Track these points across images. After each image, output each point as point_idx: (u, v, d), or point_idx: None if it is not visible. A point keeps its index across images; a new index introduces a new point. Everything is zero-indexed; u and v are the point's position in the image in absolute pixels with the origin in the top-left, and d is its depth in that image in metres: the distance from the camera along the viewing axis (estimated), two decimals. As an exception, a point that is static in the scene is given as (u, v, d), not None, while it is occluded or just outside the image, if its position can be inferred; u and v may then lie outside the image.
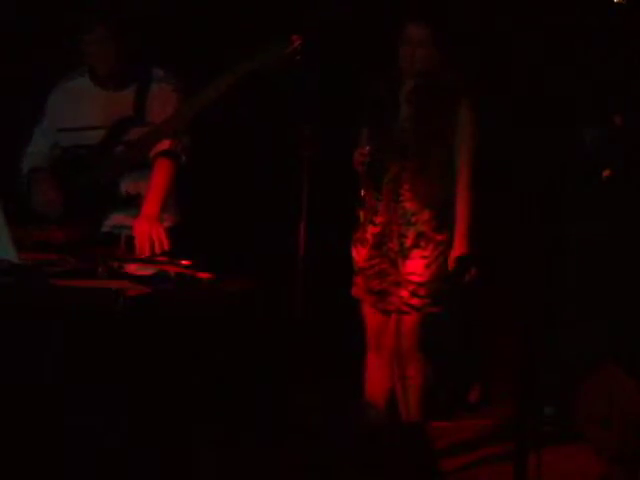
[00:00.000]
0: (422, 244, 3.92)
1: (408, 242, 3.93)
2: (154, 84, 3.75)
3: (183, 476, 2.86)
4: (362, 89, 4.10)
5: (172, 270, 3.12)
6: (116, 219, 3.70)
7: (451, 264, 3.90)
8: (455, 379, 4.96)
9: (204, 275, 3.10)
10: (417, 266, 3.91)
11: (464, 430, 4.59)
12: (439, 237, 3.92)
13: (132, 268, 3.11)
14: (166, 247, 3.44)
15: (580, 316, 4.65)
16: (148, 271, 3.09)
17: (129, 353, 2.75)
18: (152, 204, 3.57)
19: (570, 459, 4.09)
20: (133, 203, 3.69)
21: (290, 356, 4.18)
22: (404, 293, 3.92)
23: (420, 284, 3.91)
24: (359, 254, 4.04)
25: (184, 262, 3.20)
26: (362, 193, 4.03)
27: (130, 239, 3.44)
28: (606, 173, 4.46)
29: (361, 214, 4.06)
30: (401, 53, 3.93)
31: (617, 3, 4.19)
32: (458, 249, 3.90)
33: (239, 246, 5.03)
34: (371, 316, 4.07)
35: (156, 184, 3.63)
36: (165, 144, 3.66)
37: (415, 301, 3.91)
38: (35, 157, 3.90)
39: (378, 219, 3.98)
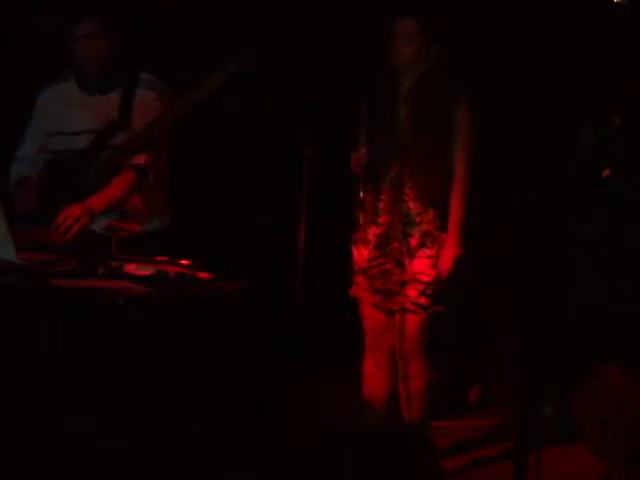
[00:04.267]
0: (428, 243, 3.91)
1: (414, 242, 3.91)
2: (140, 89, 3.76)
3: (183, 476, 2.86)
4: (361, 89, 4.10)
5: (172, 270, 3.12)
6: (106, 222, 3.70)
7: (445, 265, 3.89)
8: (455, 379, 4.96)
9: (204, 275, 3.11)
10: (424, 265, 3.90)
11: (464, 430, 4.59)
12: (444, 236, 3.91)
13: (132, 268, 3.11)
14: (68, 238, 3.45)
15: (580, 315, 4.65)
16: (148, 271, 3.09)
17: (129, 353, 2.75)
18: (97, 201, 3.61)
19: (570, 459, 4.10)
20: (122, 207, 3.73)
21: (290, 355, 4.19)
22: (412, 292, 3.91)
23: (429, 283, 3.90)
24: (360, 254, 4.03)
25: (184, 262, 3.20)
26: (361, 195, 4.02)
27: (121, 241, 3.44)
28: (606, 173, 4.47)
29: (361, 216, 4.04)
30: (390, 49, 3.92)
31: (617, 3, 4.19)
32: (452, 250, 3.89)
33: (239, 246, 5.04)
34: (371, 316, 4.07)
35: (111, 190, 3.67)
36: (141, 158, 3.68)
37: (423, 300, 3.90)
38: (23, 162, 3.91)
39: (381, 219, 3.97)
